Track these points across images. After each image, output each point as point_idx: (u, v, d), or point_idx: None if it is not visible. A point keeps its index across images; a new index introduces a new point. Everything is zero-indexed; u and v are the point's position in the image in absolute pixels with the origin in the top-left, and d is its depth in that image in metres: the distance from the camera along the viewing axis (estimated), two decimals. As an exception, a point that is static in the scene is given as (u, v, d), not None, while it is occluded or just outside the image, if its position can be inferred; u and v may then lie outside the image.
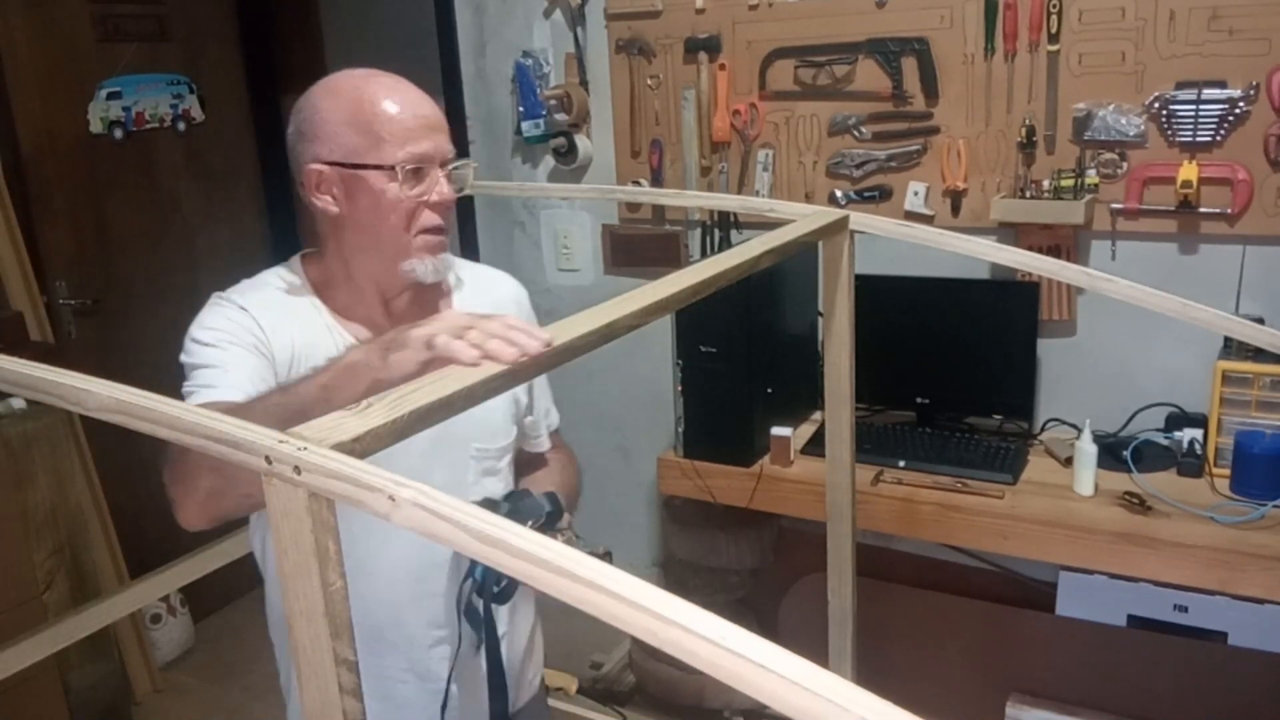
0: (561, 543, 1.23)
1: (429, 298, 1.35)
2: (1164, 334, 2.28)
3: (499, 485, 1.39)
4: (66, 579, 2.61)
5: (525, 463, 1.50)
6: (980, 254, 1.30)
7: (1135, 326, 2.32)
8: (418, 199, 1.23)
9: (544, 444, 1.52)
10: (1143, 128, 2.21)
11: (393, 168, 1.21)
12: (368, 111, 1.21)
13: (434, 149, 1.23)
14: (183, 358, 1.23)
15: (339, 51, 3.41)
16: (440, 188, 1.23)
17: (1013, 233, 2.37)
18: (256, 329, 1.23)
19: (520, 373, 0.83)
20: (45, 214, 2.85)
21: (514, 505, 1.24)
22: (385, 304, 1.31)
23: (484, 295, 1.41)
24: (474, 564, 1.24)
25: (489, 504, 1.24)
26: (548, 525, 1.23)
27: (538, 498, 1.25)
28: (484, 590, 1.25)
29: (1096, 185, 2.27)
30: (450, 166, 1.25)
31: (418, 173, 1.22)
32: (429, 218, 1.24)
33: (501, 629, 1.42)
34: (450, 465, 1.33)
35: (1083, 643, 2.29)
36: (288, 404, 1.00)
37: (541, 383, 1.51)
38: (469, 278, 1.43)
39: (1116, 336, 2.35)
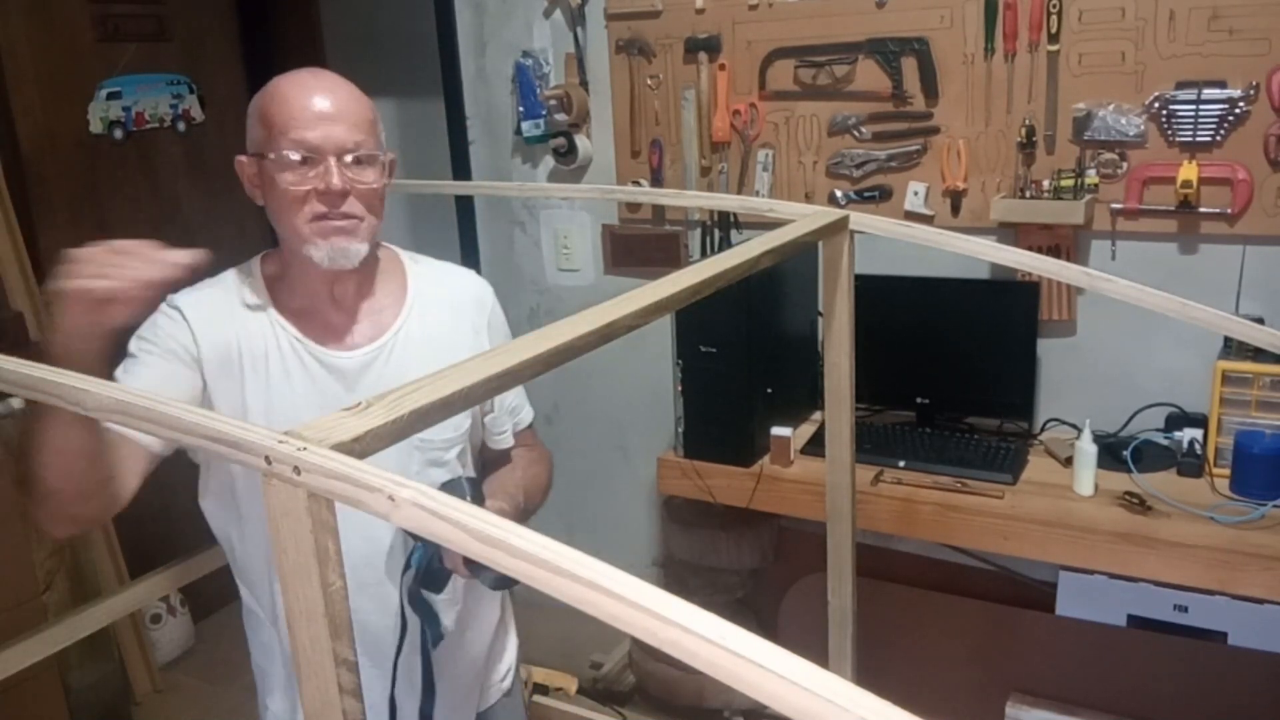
0: None
1: (375, 289, 1.39)
2: (1164, 334, 2.28)
3: (445, 476, 1.39)
4: (66, 579, 2.61)
5: (490, 460, 1.51)
6: (980, 254, 1.30)
7: (1135, 326, 2.32)
8: (305, 187, 1.25)
9: (507, 441, 1.52)
10: (1143, 128, 2.21)
11: (273, 156, 1.24)
12: (267, 104, 1.26)
13: (322, 139, 1.24)
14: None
15: (339, 51, 3.41)
16: (329, 177, 1.23)
17: (1013, 233, 2.37)
18: (185, 334, 1.28)
19: (523, 371, 0.83)
20: (45, 214, 2.85)
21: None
22: (330, 292, 1.34)
23: (438, 290, 1.43)
24: (411, 553, 1.27)
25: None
26: None
27: (458, 483, 1.28)
28: (419, 579, 1.26)
29: (1096, 185, 2.27)
30: (350, 156, 1.25)
31: (308, 161, 1.24)
32: (316, 205, 1.25)
33: (450, 622, 1.42)
34: (394, 454, 1.32)
35: (1083, 643, 2.29)
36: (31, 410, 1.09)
37: None
38: (424, 272, 1.45)
39: (1116, 336, 2.35)
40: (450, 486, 1.27)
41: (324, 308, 1.34)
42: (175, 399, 1.19)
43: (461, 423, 1.41)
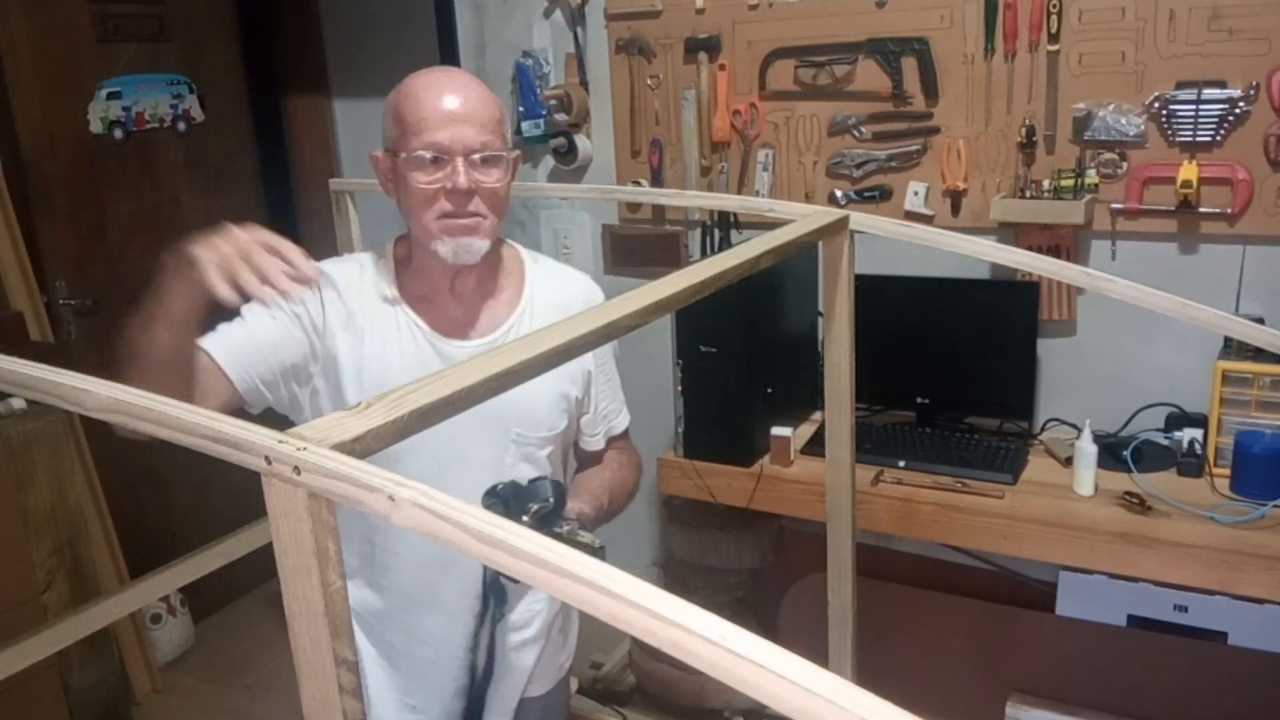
0: (564, 531, 1.25)
1: (493, 285, 1.43)
2: (1164, 334, 2.28)
3: (535, 473, 1.42)
4: (66, 579, 2.61)
5: (581, 460, 1.56)
6: (980, 254, 1.30)
7: (1135, 326, 2.32)
8: (435, 186, 1.30)
9: (598, 444, 1.56)
10: (1143, 127, 2.21)
11: (406, 155, 1.30)
12: (403, 104, 1.32)
13: (451, 139, 1.29)
14: None
15: (339, 51, 3.41)
16: (456, 177, 1.29)
17: (1013, 233, 2.37)
18: (314, 298, 1.34)
19: (523, 371, 0.83)
20: (45, 214, 2.85)
21: (519, 490, 1.27)
22: (450, 284, 1.39)
23: (553, 291, 1.46)
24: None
25: (513, 485, 1.28)
26: (555, 512, 1.24)
27: (543, 484, 1.28)
28: None
29: (1096, 185, 2.27)
30: (476, 156, 1.30)
31: (437, 161, 1.29)
32: (444, 204, 1.31)
33: (538, 605, 1.48)
34: (490, 445, 1.39)
35: (1083, 643, 2.29)
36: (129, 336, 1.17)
37: (607, 386, 1.55)
38: (543, 272, 1.49)
39: (1116, 336, 2.35)
40: (535, 486, 1.28)
41: (443, 298, 1.39)
42: (279, 357, 1.31)
43: (557, 422, 1.44)
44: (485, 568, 1.33)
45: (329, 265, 1.39)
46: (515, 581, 1.30)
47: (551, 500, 1.25)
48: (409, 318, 1.38)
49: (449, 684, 1.45)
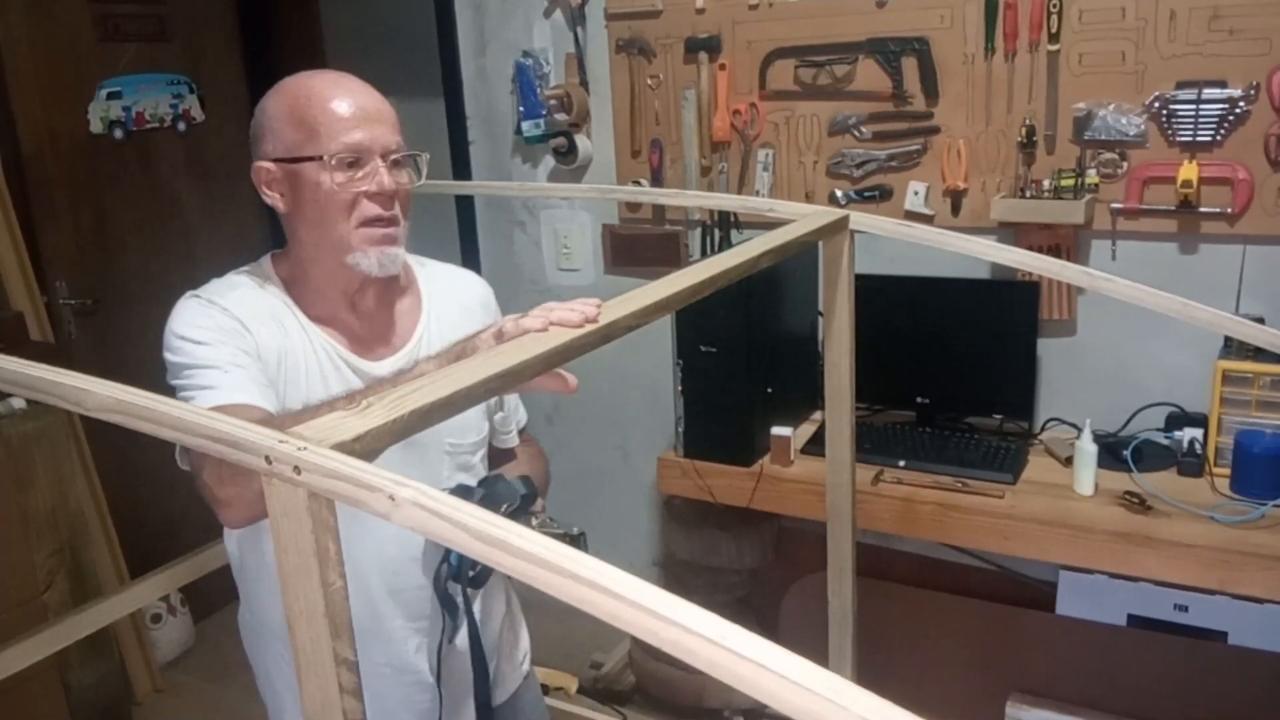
0: (535, 525, 1.23)
1: (393, 296, 1.36)
2: (1164, 334, 2.28)
3: (472, 481, 1.39)
4: (67, 579, 2.61)
5: (493, 457, 1.51)
6: (980, 254, 1.30)
7: (1135, 326, 2.32)
8: (355, 190, 1.22)
9: (513, 440, 1.54)
10: (1143, 127, 2.21)
11: (325, 158, 1.20)
12: (305, 105, 1.22)
13: (370, 139, 1.21)
14: (168, 356, 1.21)
15: (339, 51, 3.41)
16: (379, 178, 1.22)
17: (1013, 232, 2.37)
18: (242, 329, 1.22)
19: (521, 373, 0.83)
20: (45, 214, 2.85)
21: (489, 490, 1.25)
22: (350, 301, 1.31)
23: (449, 293, 1.42)
24: (449, 550, 1.25)
25: (463, 490, 1.26)
26: (521, 508, 1.24)
27: (512, 481, 1.26)
28: (459, 575, 1.25)
29: (1097, 185, 2.27)
30: (392, 157, 1.23)
31: (355, 163, 1.21)
32: (368, 209, 1.23)
33: (488, 611, 1.44)
34: (424, 462, 1.33)
35: (1083, 642, 2.29)
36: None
37: None
38: (433, 275, 1.43)
39: (1117, 336, 2.35)
40: (507, 484, 1.25)
41: (345, 315, 1.31)
42: (265, 396, 1.16)
43: (483, 426, 1.42)
44: (434, 586, 1.29)
45: (218, 297, 1.24)
46: (475, 586, 1.30)
47: (519, 497, 1.24)
48: (321, 338, 1.28)
49: (407, 713, 1.40)
